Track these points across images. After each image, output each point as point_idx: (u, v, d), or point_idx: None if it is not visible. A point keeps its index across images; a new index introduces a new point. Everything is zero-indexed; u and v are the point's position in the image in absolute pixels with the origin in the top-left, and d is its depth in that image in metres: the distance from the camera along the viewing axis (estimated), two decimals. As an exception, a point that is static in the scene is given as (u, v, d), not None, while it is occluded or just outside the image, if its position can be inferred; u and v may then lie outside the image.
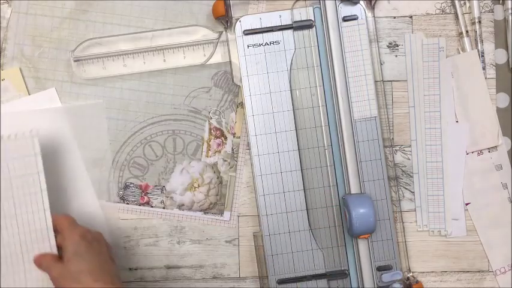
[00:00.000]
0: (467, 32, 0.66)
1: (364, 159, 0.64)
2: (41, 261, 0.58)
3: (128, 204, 0.66)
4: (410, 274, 0.65)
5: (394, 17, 0.67)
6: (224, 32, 0.65)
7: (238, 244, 0.66)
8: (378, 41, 0.66)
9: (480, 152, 0.66)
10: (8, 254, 0.59)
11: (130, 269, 0.66)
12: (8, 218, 0.59)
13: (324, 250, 0.64)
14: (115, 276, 0.57)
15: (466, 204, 0.66)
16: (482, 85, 0.66)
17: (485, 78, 0.66)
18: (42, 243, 0.59)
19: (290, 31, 0.65)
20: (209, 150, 0.67)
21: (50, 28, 0.67)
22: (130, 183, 0.67)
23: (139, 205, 0.67)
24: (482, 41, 0.66)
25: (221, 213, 0.66)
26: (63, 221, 0.59)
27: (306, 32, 0.65)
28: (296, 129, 0.64)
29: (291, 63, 0.65)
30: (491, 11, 0.66)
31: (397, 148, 0.66)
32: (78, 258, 0.56)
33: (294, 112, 0.65)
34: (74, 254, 0.56)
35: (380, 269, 0.64)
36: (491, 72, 0.66)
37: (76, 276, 0.54)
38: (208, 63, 0.66)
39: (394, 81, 0.66)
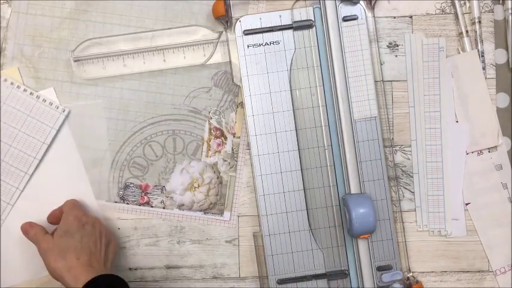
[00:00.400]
0: (467, 32, 0.66)
1: (364, 159, 0.64)
2: (28, 230, 0.62)
3: (127, 204, 0.66)
4: (410, 274, 0.65)
5: (394, 17, 0.67)
6: (224, 32, 0.65)
7: (238, 244, 0.66)
8: (378, 41, 0.66)
9: (480, 152, 0.66)
10: None
11: (130, 269, 0.66)
12: None
13: (324, 250, 0.64)
14: (99, 259, 0.59)
15: (466, 204, 0.66)
16: (482, 85, 0.66)
17: (485, 78, 0.66)
18: (10, 199, 0.65)
19: (290, 31, 0.65)
20: (209, 150, 0.67)
21: (50, 28, 0.67)
22: (131, 183, 0.67)
23: (139, 205, 0.67)
24: (482, 41, 0.66)
25: (221, 213, 0.66)
26: (67, 204, 0.64)
27: (306, 32, 0.65)
28: (296, 129, 0.64)
29: (291, 63, 0.65)
30: (491, 11, 0.66)
31: (397, 148, 0.66)
32: (68, 236, 0.59)
33: (294, 112, 0.65)
34: (65, 231, 0.60)
35: (380, 269, 0.64)
36: (491, 72, 0.66)
37: (63, 252, 0.58)
38: (208, 63, 0.66)
39: (394, 81, 0.66)
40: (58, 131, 0.65)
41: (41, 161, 0.65)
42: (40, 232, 0.61)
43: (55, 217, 0.63)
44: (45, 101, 0.65)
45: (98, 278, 0.55)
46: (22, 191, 0.65)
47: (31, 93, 0.65)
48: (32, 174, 0.65)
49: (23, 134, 0.65)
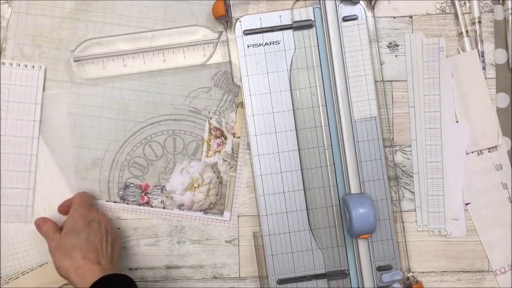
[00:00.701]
0: (467, 32, 0.66)
1: (364, 159, 0.64)
2: (41, 226, 0.63)
3: (127, 204, 0.66)
4: (410, 274, 0.65)
5: (394, 17, 0.67)
6: (224, 32, 0.65)
7: (238, 244, 0.66)
8: (378, 41, 0.66)
9: (480, 152, 0.66)
10: None
11: (130, 269, 0.66)
12: None
13: (324, 250, 0.64)
14: (105, 257, 0.59)
15: (466, 204, 0.66)
16: (482, 85, 0.66)
17: (485, 78, 0.66)
18: (19, 166, 0.65)
19: (290, 31, 0.65)
20: (209, 150, 0.67)
21: (50, 28, 0.67)
22: (131, 183, 0.67)
23: (139, 205, 0.67)
24: (482, 41, 0.66)
25: (221, 213, 0.66)
26: (76, 198, 0.64)
27: (306, 32, 0.65)
28: (296, 129, 0.64)
29: (291, 63, 0.65)
30: (491, 11, 0.66)
31: (397, 148, 0.66)
32: (73, 234, 0.59)
33: (294, 112, 0.65)
34: (71, 229, 0.60)
35: (380, 269, 0.64)
36: (491, 72, 0.66)
37: (68, 251, 0.58)
38: (208, 63, 0.66)
39: (394, 81, 0.66)
40: (44, 89, 0.65)
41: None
42: (51, 229, 0.61)
43: (65, 208, 0.64)
44: (19, 65, 0.65)
45: (106, 278, 0.55)
46: (37, 155, 0.65)
47: (3, 63, 0.65)
48: (38, 138, 0.65)
49: (13, 103, 0.65)
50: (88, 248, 0.58)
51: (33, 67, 0.65)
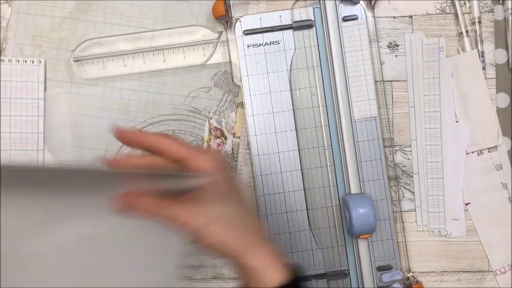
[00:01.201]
0: (467, 32, 0.66)
1: (364, 159, 0.64)
2: (136, 201, 0.39)
3: (128, 204, 0.66)
4: (410, 274, 0.65)
5: (394, 17, 0.67)
6: (224, 32, 0.65)
7: (238, 244, 0.66)
8: (378, 41, 0.66)
9: (480, 152, 0.66)
10: None
11: (130, 269, 0.66)
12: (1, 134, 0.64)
13: (324, 250, 0.64)
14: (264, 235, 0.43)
15: (466, 204, 0.66)
16: (482, 85, 0.66)
17: (485, 78, 0.66)
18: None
19: (290, 31, 0.65)
20: (209, 150, 0.67)
21: (50, 28, 0.67)
22: (131, 183, 0.67)
23: (139, 205, 0.66)
24: (482, 41, 0.66)
25: (221, 213, 0.66)
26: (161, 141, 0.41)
27: (306, 32, 0.65)
28: (296, 129, 0.64)
29: (291, 63, 0.65)
30: (491, 11, 0.66)
31: (397, 148, 0.66)
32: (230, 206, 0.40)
33: (294, 112, 0.65)
34: (222, 198, 0.39)
35: (380, 269, 0.64)
36: (491, 72, 0.66)
37: (242, 226, 0.39)
38: (208, 63, 0.66)
39: (394, 81, 0.66)
40: (45, 84, 0.65)
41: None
42: (167, 203, 0.39)
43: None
44: (18, 61, 0.65)
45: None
46: (43, 151, 0.65)
47: (2, 60, 0.65)
48: (44, 133, 0.65)
49: (15, 100, 0.64)
50: (254, 231, 0.41)
51: (32, 62, 0.65)
